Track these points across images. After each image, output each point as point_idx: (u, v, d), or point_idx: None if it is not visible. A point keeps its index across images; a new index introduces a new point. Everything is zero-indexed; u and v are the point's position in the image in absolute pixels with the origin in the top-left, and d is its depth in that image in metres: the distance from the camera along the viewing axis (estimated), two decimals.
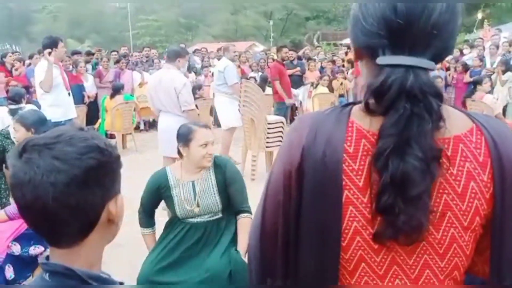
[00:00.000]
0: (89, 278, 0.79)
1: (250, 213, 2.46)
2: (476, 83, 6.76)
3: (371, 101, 0.80)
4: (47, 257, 0.82)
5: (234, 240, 2.44)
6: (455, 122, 0.82)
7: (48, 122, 3.22)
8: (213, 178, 2.42)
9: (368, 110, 0.81)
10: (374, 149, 0.80)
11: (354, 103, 0.88)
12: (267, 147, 5.75)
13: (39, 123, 3.08)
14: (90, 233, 0.80)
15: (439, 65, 8.61)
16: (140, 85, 9.03)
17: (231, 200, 2.49)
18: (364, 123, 0.83)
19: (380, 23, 0.78)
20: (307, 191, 0.85)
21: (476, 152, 0.81)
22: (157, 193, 2.46)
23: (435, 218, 0.80)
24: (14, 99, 5.14)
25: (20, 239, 2.62)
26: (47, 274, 0.79)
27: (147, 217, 2.55)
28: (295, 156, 0.86)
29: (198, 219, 2.43)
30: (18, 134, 2.96)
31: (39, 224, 0.79)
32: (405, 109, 0.76)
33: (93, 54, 10.38)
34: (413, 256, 0.83)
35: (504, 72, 7.88)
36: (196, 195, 2.39)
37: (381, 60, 0.79)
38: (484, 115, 0.87)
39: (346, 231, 0.83)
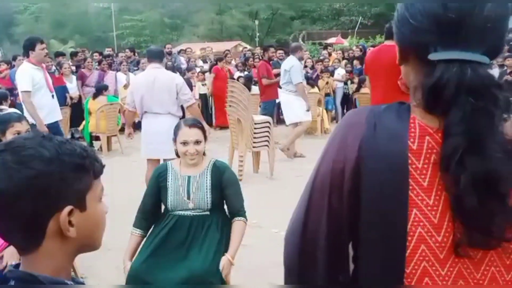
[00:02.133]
0: (51, 283, 0.79)
1: (246, 217, 2.52)
2: None
3: (430, 100, 0.76)
4: (17, 265, 0.84)
5: (222, 243, 2.45)
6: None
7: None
8: (209, 178, 2.48)
9: (429, 110, 0.77)
10: (441, 150, 0.75)
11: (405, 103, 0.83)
12: (253, 147, 5.75)
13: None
14: (42, 242, 0.80)
15: None
16: (125, 86, 8.93)
17: (227, 203, 2.55)
18: (427, 120, 0.78)
19: (429, 19, 0.76)
20: (367, 191, 0.78)
21: None
22: (157, 182, 2.52)
23: None
24: None
25: None
26: (13, 281, 0.81)
27: (142, 218, 2.56)
28: (351, 152, 0.80)
29: (186, 212, 2.46)
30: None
31: None
32: (469, 104, 0.72)
33: (77, 54, 10.23)
34: (480, 269, 0.77)
35: None
36: (190, 190, 2.46)
37: (434, 56, 0.76)
38: None
39: (409, 238, 0.76)
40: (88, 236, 0.86)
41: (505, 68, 7.63)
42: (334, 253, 0.85)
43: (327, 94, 9.80)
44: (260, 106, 8.31)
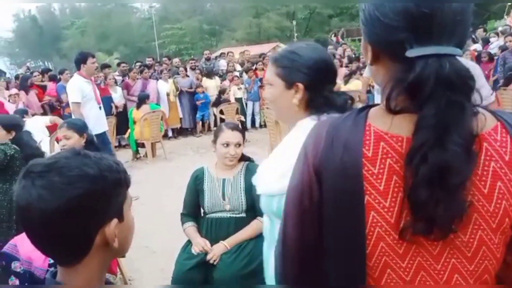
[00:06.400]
0: None
1: None
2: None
3: (401, 98, 0.77)
4: (55, 274, 0.88)
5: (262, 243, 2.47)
6: (479, 120, 0.78)
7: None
8: (243, 180, 2.54)
9: (391, 109, 0.78)
10: (408, 147, 0.77)
11: (370, 106, 0.86)
12: None
13: (86, 127, 3.21)
14: (87, 255, 0.83)
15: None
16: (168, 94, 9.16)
17: (255, 203, 2.52)
18: (383, 126, 0.80)
19: (403, 17, 0.77)
20: (327, 200, 0.83)
21: (501, 150, 0.78)
22: (195, 185, 2.60)
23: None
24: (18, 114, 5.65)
25: None
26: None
27: (187, 215, 2.64)
28: (313, 164, 0.84)
29: (223, 214, 2.52)
30: (71, 141, 2.94)
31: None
32: (444, 98, 0.74)
33: (121, 64, 10.61)
34: (440, 261, 0.80)
35: None
36: (225, 192, 2.52)
37: (411, 52, 0.76)
38: (510, 113, 0.84)
39: (369, 237, 0.81)
40: (124, 244, 0.89)
41: None
42: (304, 256, 0.90)
43: (368, 91, 9.63)
44: None
